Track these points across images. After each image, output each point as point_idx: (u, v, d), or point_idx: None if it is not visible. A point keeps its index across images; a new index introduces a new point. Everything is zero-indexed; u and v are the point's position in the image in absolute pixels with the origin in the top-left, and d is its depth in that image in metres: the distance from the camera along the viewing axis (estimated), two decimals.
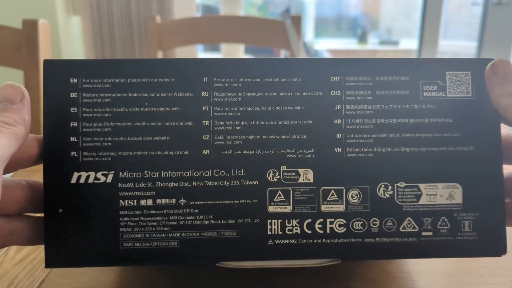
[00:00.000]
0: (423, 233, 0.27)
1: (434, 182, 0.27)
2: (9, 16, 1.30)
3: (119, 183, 0.26)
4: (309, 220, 0.27)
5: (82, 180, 0.26)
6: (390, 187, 0.27)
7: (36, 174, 0.38)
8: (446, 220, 0.27)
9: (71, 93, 0.26)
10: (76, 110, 0.26)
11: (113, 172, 0.26)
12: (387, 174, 0.27)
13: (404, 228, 0.27)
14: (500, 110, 0.26)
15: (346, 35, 3.39)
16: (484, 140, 0.27)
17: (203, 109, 0.27)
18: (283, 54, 2.11)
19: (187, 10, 1.47)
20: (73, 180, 0.26)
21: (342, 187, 0.27)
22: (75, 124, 0.26)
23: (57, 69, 0.26)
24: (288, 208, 0.27)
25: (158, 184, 0.26)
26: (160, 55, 1.05)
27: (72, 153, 0.26)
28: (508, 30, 1.66)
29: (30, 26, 0.74)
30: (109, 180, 0.26)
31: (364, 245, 0.27)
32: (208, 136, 0.27)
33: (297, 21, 0.99)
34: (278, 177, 0.27)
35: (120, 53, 1.42)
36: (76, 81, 0.26)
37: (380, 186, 0.27)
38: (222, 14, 1.87)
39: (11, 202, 0.26)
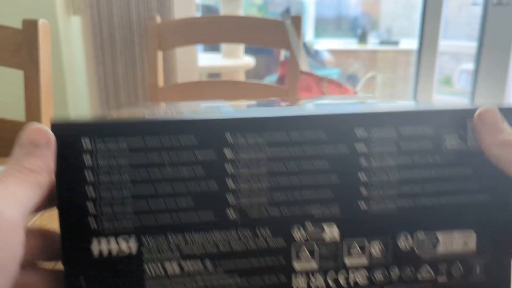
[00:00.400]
0: (439, 279, 0.28)
1: (451, 230, 0.28)
2: (9, 16, 1.30)
3: (143, 251, 0.25)
4: (334, 274, 0.27)
5: (104, 249, 0.24)
6: (410, 237, 0.27)
7: None
8: (459, 265, 0.28)
9: (85, 156, 0.24)
10: (92, 175, 0.24)
11: (136, 239, 0.25)
12: (408, 225, 0.27)
13: (421, 275, 0.27)
14: (492, 160, 0.26)
15: (346, 35, 3.39)
16: (499, 189, 0.27)
17: (226, 168, 0.25)
18: (283, 54, 2.11)
19: (187, 10, 1.46)
20: (95, 250, 0.24)
21: (365, 240, 0.27)
22: (92, 190, 0.24)
23: (68, 131, 0.24)
24: (313, 264, 0.27)
25: (183, 249, 0.25)
26: (160, 55, 1.05)
27: (91, 221, 0.24)
28: (508, 30, 1.66)
29: (30, 26, 0.74)
30: (132, 247, 0.25)
31: None
32: (232, 196, 0.26)
33: (297, 21, 0.99)
34: (303, 233, 0.26)
35: (120, 53, 1.42)
36: (90, 143, 0.24)
37: (401, 237, 0.27)
38: (222, 14, 1.86)
39: (25, 252, 0.23)
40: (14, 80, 1.19)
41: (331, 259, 0.27)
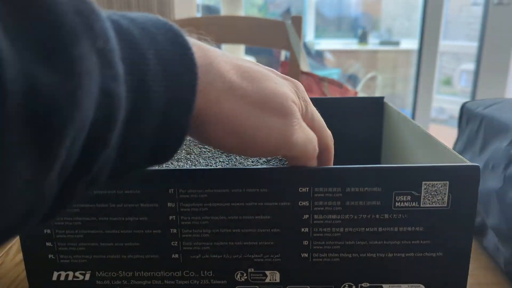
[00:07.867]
0: None
1: (398, 282, 0.28)
2: None
3: (97, 281, 0.29)
4: None
5: (62, 278, 0.29)
6: (354, 287, 0.28)
7: None
8: None
9: None
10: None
11: (89, 271, 0.29)
12: (352, 276, 0.28)
13: None
14: None
15: (346, 36, 3.39)
16: (454, 247, 0.27)
17: (170, 218, 0.28)
18: (283, 54, 2.11)
19: (187, 10, 1.47)
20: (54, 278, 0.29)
21: (308, 287, 0.28)
22: (49, 231, 0.28)
23: None
24: None
25: (132, 282, 0.29)
26: None
27: (50, 256, 0.29)
28: (508, 30, 1.66)
29: None
30: (87, 278, 0.29)
31: None
32: (176, 242, 0.28)
33: (298, 21, 0.99)
34: (246, 277, 0.28)
35: None
36: None
37: (344, 286, 0.28)
38: (222, 14, 1.86)
39: None
40: None
41: None
